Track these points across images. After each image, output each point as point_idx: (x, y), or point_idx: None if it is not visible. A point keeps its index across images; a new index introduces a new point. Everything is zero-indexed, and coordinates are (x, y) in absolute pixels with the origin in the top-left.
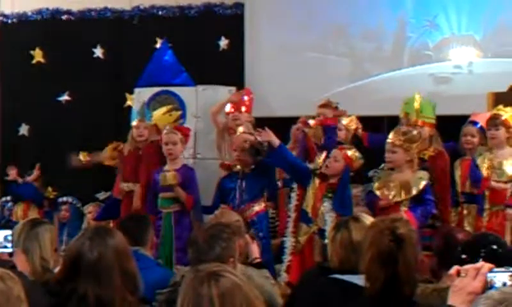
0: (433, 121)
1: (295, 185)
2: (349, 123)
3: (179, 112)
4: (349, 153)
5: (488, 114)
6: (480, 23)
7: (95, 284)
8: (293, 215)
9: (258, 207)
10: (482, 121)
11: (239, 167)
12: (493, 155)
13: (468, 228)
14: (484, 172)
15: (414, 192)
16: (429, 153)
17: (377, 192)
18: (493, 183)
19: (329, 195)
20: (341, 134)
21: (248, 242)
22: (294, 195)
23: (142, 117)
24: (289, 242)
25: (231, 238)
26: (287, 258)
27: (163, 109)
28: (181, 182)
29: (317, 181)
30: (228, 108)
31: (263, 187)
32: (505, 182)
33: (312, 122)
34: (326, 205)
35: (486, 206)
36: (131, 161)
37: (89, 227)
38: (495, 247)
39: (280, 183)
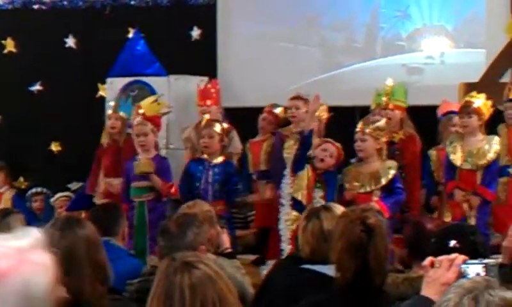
0: (404, 105)
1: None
2: (320, 113)
3: (166, 103)
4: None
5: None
6: (451, 13)
7: (64, 274)
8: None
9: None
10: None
11: (205, 155)
12: (464, 142)
13: (448, 215)
14: (458, 160)
15: (383, 182)
16: (400, 136)
17: (346, 185)
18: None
19: (318, 185)
20: (313, 126)
21: (219, 232)
22: (286, 183)
23: (115, 108)
24: (286, 230)
25: (202, 226)
26: (286, 247)
27: (151, 98)
28: (155, 172)
29: (310, 168)
30: (197, 101)
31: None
32: (475, 170)
33: (279, 110)
34: (317, 193)
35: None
36: (110, 155)
37: (59, 217)
38: (471, 237)
39: (254, 176)
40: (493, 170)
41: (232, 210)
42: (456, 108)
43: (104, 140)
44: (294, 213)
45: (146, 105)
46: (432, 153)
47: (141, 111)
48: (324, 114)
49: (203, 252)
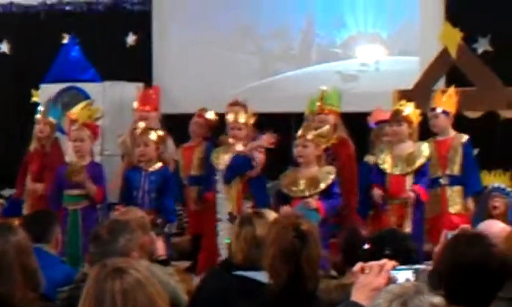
0: (338, 110)
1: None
2: (246, 119)
3: (99, 108)
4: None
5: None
6: (386, 21)
7: None
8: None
9: None
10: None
11: (142, 164)
12: (393, 149)
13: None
14: (388, 167)
15: (322, 186)
16: (333, 140)
17: (285, 190)
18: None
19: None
20: (241, 134)
21: (153, 239)
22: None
23: (45, 113)
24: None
25: (134, 232)
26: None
27: (82, 104)
28: (89, 179)
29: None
30: (136, 105)
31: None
32: (404, 175)
33: (210, 114)
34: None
35: (387, 199)
36: (37, 160)
37: None
38: (403, 243)
39: (185, 181)
40: (424, 172)
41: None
42: (388, 117)
43: (32, 145)
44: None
45: (77, 111)
46: (370, 159)
47: (73, 117)
48: (250, 120)
49: (136, 259)
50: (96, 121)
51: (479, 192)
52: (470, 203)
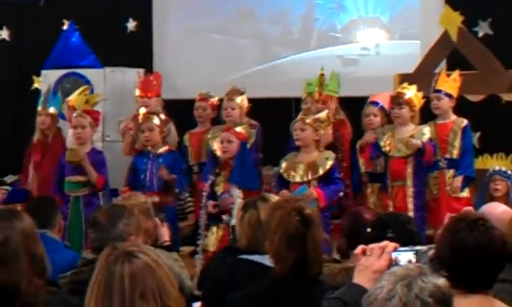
0: (336, 95)
1: None
2: (241, 101)
3: (97, 95)
4: (238, 129)
5: (387, 94)
6: (386, 5)
7: (1, 267)
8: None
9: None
10: (382, 101)
11: (149, 147)
12: (395, 132)
13: (372, 207)
14: (389, 150)
15: (321, 172)
16: (333, 120)
17: (284, 174)
18: None
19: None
20: (234, 113)
21: (158, 224)
22: None
23: (45, 104)
24: None
25: (131, 217)
26: None
27: (78, 90)
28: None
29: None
30: (138, 93)
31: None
32: (405, 158)
33: (212, 99)
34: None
35: (388, 182)
36: (39, 150)
37: None
38: (407, 226)
39: (195, 168)
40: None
41: (177, 201)
42: (379, 99)
43: (35, 136)
44: None
45: (74, 97)
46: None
47: (70, 104)
48: (245, 103)
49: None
50: (94, 106)
51: (469, 177)
52: (457, 182)
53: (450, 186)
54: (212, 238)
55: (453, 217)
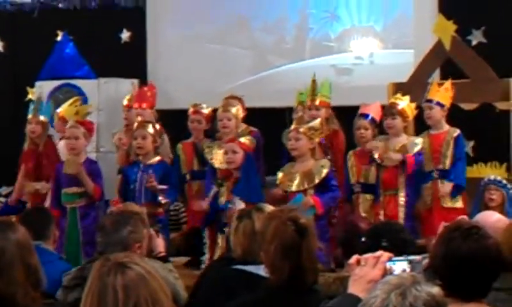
0: (329, 101)
1: None
2: (237, 111)
3: (88, 106)
4: (242, 140)
5: (378, 104)
6: (380, 14)
7: None
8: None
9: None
10: (372, 112)
11: (140, 157)
12: (389, 142)
13: (363, 215)
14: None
15: (316, 180)
16: (326, 132)
17: (281, 185)
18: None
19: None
20: (231, 124)
21: (153, 235)
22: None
23: (36, 112)
24: None
25: (138, 225)
26: None
27: (69, 101)
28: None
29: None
30: (126, 102)
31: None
32: (396, 168)
33: (206, 111)
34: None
35: (380, 191)
36: (31, 159)
37: None
38: (400, 235)
39: (188, 176)
40: (419, 161)
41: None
42: (370, 110)
43: (25, 144)
44: None
45: (64, 108)
46: (349, 154)
47: (60, 115)
48: (241, 113)
49: (139, 251)
50: (84, 117)
51: (459, 186)
52: (446, 187)
53: (440, 193)
54: (218, 249)
55: (447, 226)
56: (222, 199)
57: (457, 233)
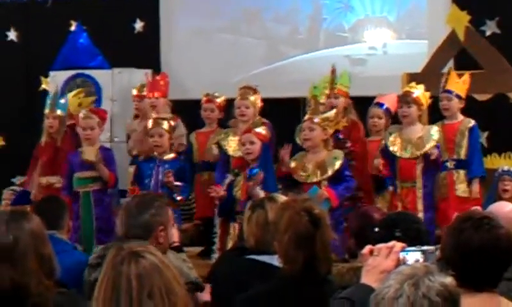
0: (348, 91)
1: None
2: (255, 100)
3: (91, 98)
4: (258, 130)
5: (394, 95)
6: (394, 4)
7: (10, 268)
8: None
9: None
10: (388, 103)
11: (156, 153)
12: (402, 131)
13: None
14: (397, 150)
15: (329, 172)
16: (343, 123)
17: (293, 175)
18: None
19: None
20: (249, 112)
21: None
22: None
23: (53, 107)
24: None
25: (162, 207)
26: None
27: (73, 92)
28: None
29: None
30: (135, 92)
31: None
32: (414, 159)
33: (219, 100)
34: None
35: (397, 183)
36: (48, 153)
37: (4, 211)
38: (414, 226)
39: (198, 166)
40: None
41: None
42: (385, 100)
43: (42, 138)
44: None
45: (69, 98)
46: None
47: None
48: (258, 101)
49: (163, 233)
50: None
51: (481, 176)
52: (475, 186)
53: (468, 191)
54: (229, 239)
55: (458, 217)
56: (237, 189)
57: (469, 224)
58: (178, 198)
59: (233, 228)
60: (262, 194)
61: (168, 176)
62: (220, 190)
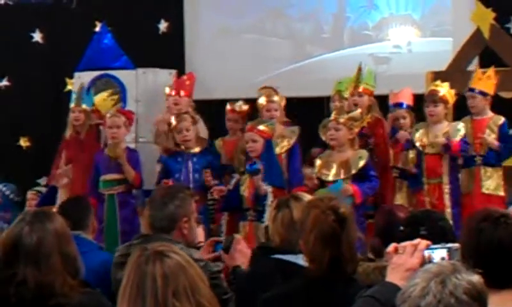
0: (373, 89)
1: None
2: (280, 100)
3: (117, 95)
4: (261, 127)
5: (408, 89)
6: (418, 2)
7: (34, 268)
8: None
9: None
10: (405, 99)
11: (183, 147)
12: (429, 129)
13: (400, 202)
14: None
15: (353, 171)
16: (367, 119)
17: (318, 174)
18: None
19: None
20: (278, 113)
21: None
22: None
23: (78, 101)
24: None
25: (186, 199)
26: None
27: (104, 94)
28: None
29: None
30: (168, 91)
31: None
32: (440, 155)
33: (240, 107)
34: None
35: (424, 179)
36: (72, 146)
37: (28, 211)
38: (439, 223)
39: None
40: (466, 148)
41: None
42: (402, 98)
43: (67, 132)
44: None
45: (99, 100)
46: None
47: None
48: (282, 102)
49: (187, 225)
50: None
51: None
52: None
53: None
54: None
55: (473, 217)
56: (244, 188)
57: (487, 223)
58: (217, 196)
59: (243, 227)
60: (267, 188)
61: (206, 175)
62: (223, 188)
